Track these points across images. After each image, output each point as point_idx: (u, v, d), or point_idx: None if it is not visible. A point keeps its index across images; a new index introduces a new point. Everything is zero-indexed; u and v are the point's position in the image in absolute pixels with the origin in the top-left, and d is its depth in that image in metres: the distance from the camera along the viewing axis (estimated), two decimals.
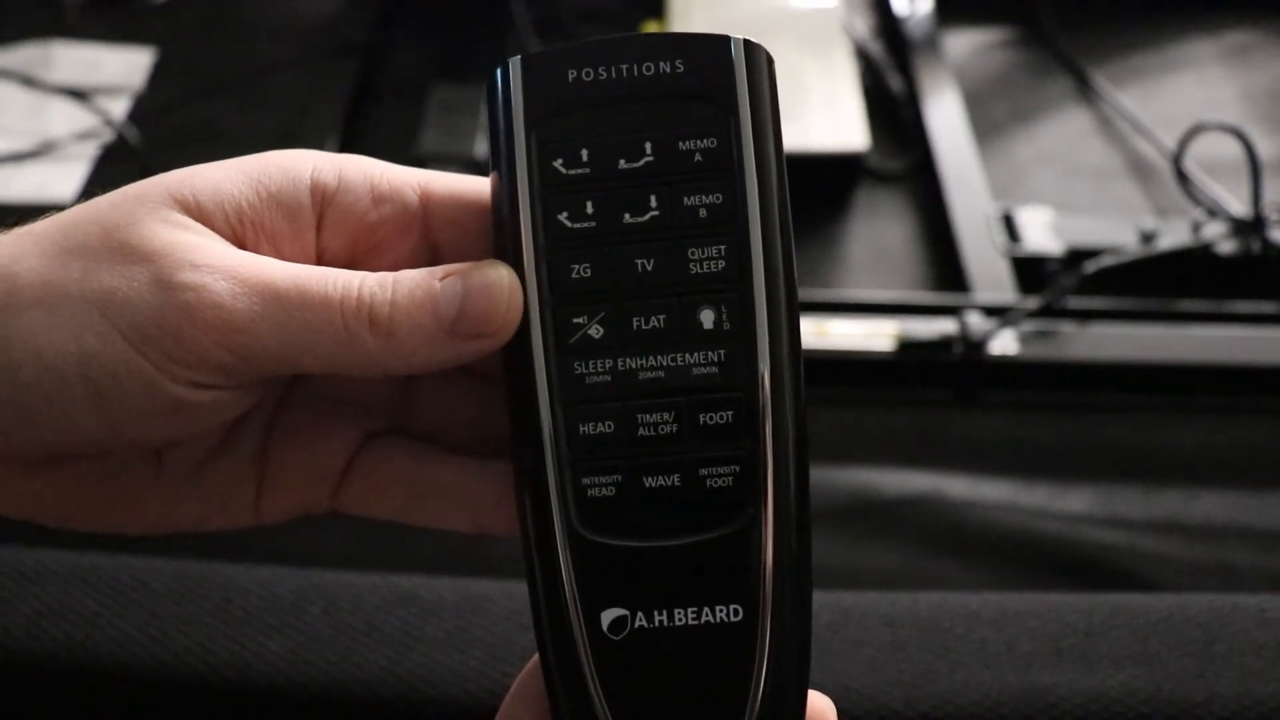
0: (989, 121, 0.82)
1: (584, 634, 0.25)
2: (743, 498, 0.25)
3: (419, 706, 0.41)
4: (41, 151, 0.77)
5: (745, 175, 0.26)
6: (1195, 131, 0.70)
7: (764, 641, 0.25)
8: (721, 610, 0.25)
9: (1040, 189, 0.77)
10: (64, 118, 0.79)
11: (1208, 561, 0.54)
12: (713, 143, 0.26)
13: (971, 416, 0.63)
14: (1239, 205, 0.70)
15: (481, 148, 0.75)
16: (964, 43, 0.90)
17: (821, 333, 0.63)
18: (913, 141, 0.80)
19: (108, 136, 0.78)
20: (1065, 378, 0.63)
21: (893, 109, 0.82)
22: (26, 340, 0.23)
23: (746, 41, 0.27)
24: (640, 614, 0.25)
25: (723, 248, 0.26)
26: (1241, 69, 0.87)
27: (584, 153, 0.26)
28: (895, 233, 0.75)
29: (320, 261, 0.26)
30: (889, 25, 0.89)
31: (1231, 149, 0.70)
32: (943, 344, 0.62)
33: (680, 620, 0.25)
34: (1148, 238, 0.68)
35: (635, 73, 0.26)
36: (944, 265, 0.72)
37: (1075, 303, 0.65)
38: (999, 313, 0.64)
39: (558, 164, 0.26)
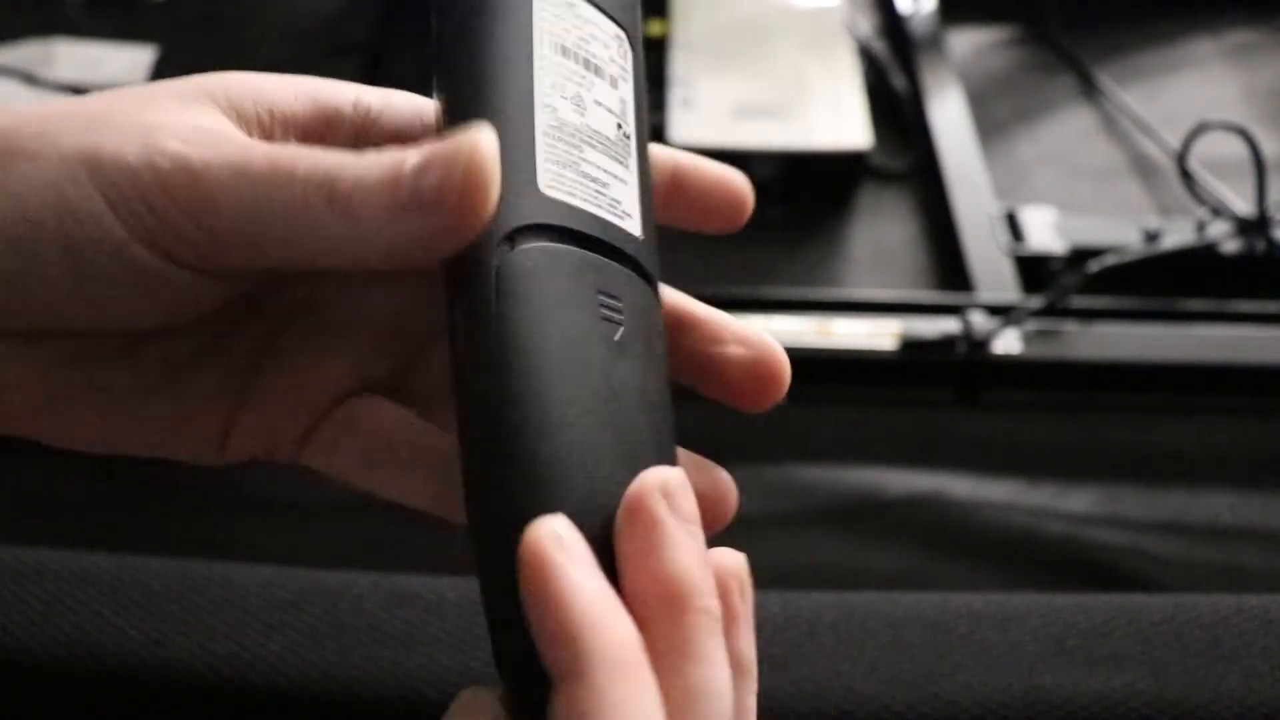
0: (992, 120, 0.82)
1: None
2: None
3: (420, 706, 0.41)
4: None
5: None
6: (1199, 131, 0.70)
7: None
8: None
9: (1044, 188, 0.77)
10: None
11: (1212, 562, 0.54)
12: None
13: (974, 416, 0.63)
14: (1243, 205, 0.70)
15: None
16: (967, 42, 0.90)
17: (824, 332, 0.63)
18: (916, 140, 0.80)
19: None
20: (1069, 377, 0.63)
21: (896, 108, 0.82)
22: (11, 189, 0.23)
23: None
24: None
25: None
26: (1245, 68, 0.87)
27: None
28: (898, 232, 0.75)
29: None
30: (892, 24, 0.89)
31: (1235, 148, 0.69)
32: (946, 343, 0.62)
33: None
34: (1151, 237, 0.68)
35: None
36: (947, 264, 0.71)
37: (1079, 302, 0.65)
38: (1002, 312, 0.64)
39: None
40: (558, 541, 0.22)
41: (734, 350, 0.28)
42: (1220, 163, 0.72)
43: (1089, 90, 0.85)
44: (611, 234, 0.26)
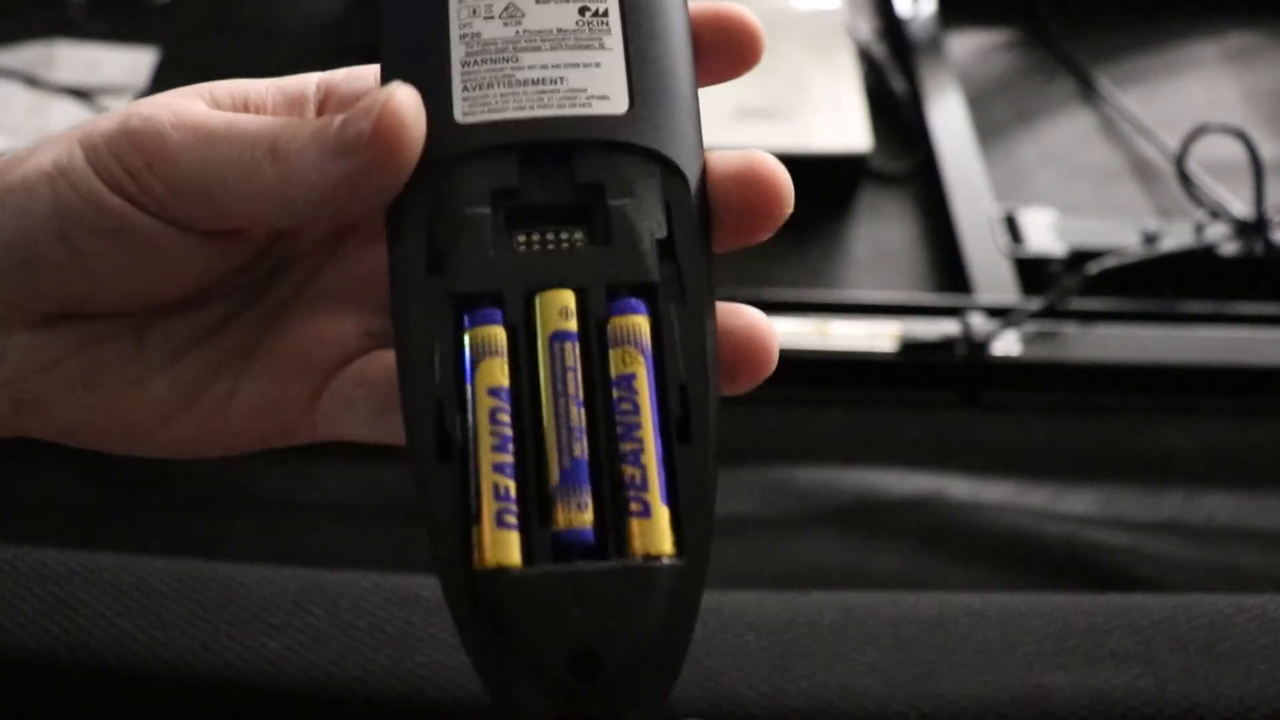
0: (992, 123, 0.82)
1: None
2: None
3: (421, 707, 0.41)
4: None
5: None
6: (1198, 133, 0.70)
7: None
8: None
9: (1043, 190, 0.77)
10: (66, 117, 0.79)
11: (1211, 563, 0.54)
12: None
13: (974, 418, 0.63)
14: (1242, 207, 0.70)
15: None
16: (967, 44, 0.90)
17: (823, 333, 0.63)
18: (915, 143, 0.80)
19: None
20: (1068, 379, 0.63)
21: (895, 110, 0.82)
22: (18, 169, 0.26)
23: None
24: None
25: None
26: (1244, 71, 0.87)
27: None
28: (897, 234, 0.75)
29: None
30: (892, 26, 0.89)
31: (1234, 151, 0.69)
32: (945, 345, 0.62)
33: None
34: (1150, 239, 0.68)
35: None
36: (946, 266, 0.72)
37: (1078, 304, 0.65)
38: (1001, 314, 0.64)
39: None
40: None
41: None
42: (1219, 165, 0.72)
43: (1088, 92, 0.85)
44: (568, 128, 0.27)
